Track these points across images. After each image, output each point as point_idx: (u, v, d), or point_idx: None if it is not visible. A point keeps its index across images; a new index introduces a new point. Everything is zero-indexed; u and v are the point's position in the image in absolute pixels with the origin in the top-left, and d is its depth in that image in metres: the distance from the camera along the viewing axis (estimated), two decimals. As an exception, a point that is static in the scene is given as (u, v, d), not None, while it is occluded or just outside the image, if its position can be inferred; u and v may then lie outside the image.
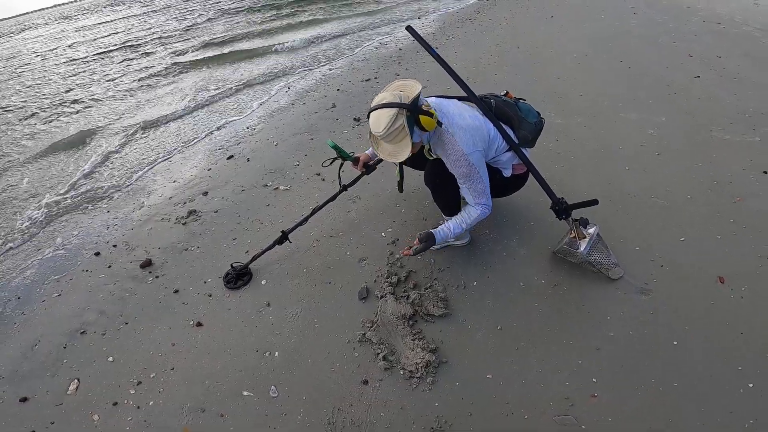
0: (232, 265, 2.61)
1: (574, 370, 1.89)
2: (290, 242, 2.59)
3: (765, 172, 2.91)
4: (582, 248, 2.17)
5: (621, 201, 2.77)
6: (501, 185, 2.34)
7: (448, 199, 2.31)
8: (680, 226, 2.54)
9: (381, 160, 2.51)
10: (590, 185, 2.94)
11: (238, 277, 2.56)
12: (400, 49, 6.50)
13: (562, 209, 2.21)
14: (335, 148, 2.40)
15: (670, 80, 4.53)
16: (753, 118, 3.64)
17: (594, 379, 1.85)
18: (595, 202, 2.14)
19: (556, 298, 2.22)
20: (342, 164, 2.55)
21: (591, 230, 2.21)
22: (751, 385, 1.75)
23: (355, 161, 2.50)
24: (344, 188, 2.59)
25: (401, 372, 1.97)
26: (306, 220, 2.58)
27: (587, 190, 2.89)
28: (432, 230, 2.12)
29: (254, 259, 2.56)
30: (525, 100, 2.33)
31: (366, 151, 2.56)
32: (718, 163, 3.05)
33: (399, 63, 5.37)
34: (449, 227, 2.14)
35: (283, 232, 2.55)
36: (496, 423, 1.76)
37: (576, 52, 5.55)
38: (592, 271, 2.27)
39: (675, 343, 1.94)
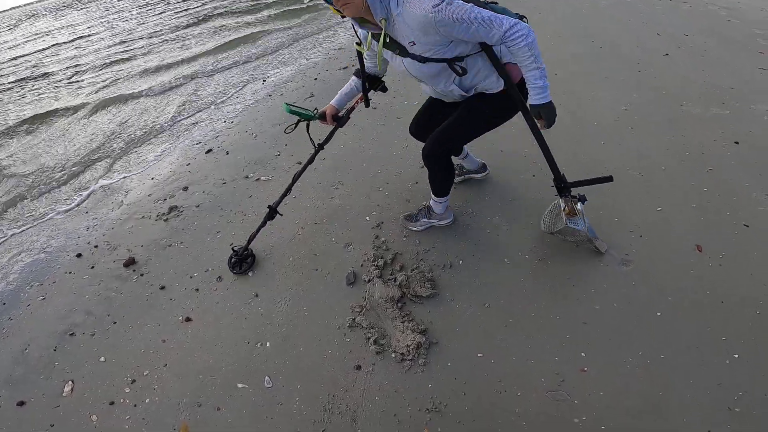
0: (233, 248, 2.59)
1: (563, 345, 1.94)
2: (281, 215, 2.54)
3: (736, 143, 2.99)
4: (581, 226, 2.14)
5: (597, 174, 2.82)
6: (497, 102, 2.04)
7: (441, 178, 2.32)
8: (656, 197, 2.60)
9: (352, 109, 2.37)
10: (567, 161, 2.98)
11: (242, 261, 2.56)
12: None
13: (567, 186, 2.16)
14: (293, 112, 2.23)
15: (640, 58, 4.59)
16: (722, 93, 3.72)
17: (582, 353, 1.89)
18: (610, 178, 2.09)
19: (541, 274, 2.26)
20: (308, 124, 2.37)
21: (579, 206, 2.20)
22: (736, 356, 1.81)
23: (322, 117, 2.33)
24: (320, 147, 2.43)
25: (393, 355, 1.99)
26: (290, 189, 2.48)
27: (565, 166, 2.90)
28: (533, 101, 1.85)
29: (251, 239, 2.54)
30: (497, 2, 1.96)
31: (331, 102, 2.34)
32: (689, 136, 3.12)
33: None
34: (531, 76, 1.78)
35: (270, 206, 2.48)
36: (489, 401, 1.80)
37: (550, 32, 5.58)
38: (587, 246, 2.33)
39: (658, 314, 2.00)
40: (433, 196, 2.47)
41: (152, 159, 3.96)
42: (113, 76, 6.43)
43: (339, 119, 2.37)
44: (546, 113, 1.86)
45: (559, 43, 5.23)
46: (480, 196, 2.77)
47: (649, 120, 3.38)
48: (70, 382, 2.10)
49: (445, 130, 2.12)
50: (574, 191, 2.21)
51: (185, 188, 3.38)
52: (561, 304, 2.10)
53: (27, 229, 3.40)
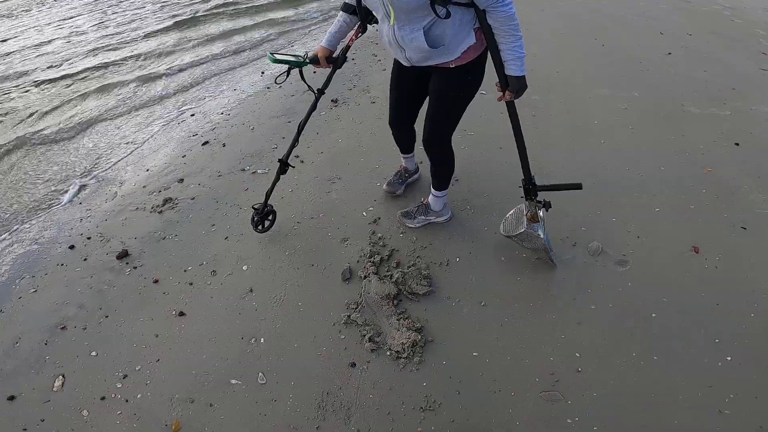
0: (253, 206, 2.58)
1: (558, 345, 1.94)
2: (293, 167, 2.52)
3: (736, 144, 2.98)
4: (542, 234, 2.06)
5: (597, 174, 2.81)
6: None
7: (444, 166, 2.31)
8: (654, 197, 2.60)
9: (348, 48, 2.16)
10: (566, 160, 2.97)
11: (265, 217, 2.57)
12: (377, 30, 6.38)
13: (534, 188, 2.04)
14: (279, 61, 2.09)
15: (641, 57, 4.57)
16: (723, 93, 3.71)
17: (577, 354, 1.89)
18: (579, 186, 1.97)
19: (537, 272, 2.25)
20: (301, 71, 2.21)
21: (542, 213, 2.11)
22: (728, 358, 1.82)
23: (314, 61, 2.18)
24: (321, 92, 2.28)
25: (388, 353, 1.98)
26: (296, 140, 2.39)
27: (564, 165, 2.92)
28: (508, 73, 1.78)
29: (268, 196, 2.52)
30: None
31: (320, 44, 2.18)
32: (689, 136, 3.11)
33: (376, 44, 5.27)
34: (514, 47, 1.72)
35: (280, 160, 2.42)
36: (484, 400, 1.79)
37: (550, 29, 5.54)
38: (539, 256, 2.29)
39: (653, 315, 2.00)
40: (433, 191, 2.46)
41: (147, 150, 3.92)
42: (103, 63, 6.35)
43: (334, 60, 2.19)
44: (522, 85, 1.82)
45: (560, 40, 5.20)
46: (478, 194, 2.75)
47: (649, 119, 3.37)
48: (60, 377, 2.08)
49: (434, 116, 2.10)
50: (540, 196, 2.10)
51: (181, 180, 3.35)
52: (557, 304, 2.10)
53: (22, 220, 3.36)
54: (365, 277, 2.33)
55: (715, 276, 2.13)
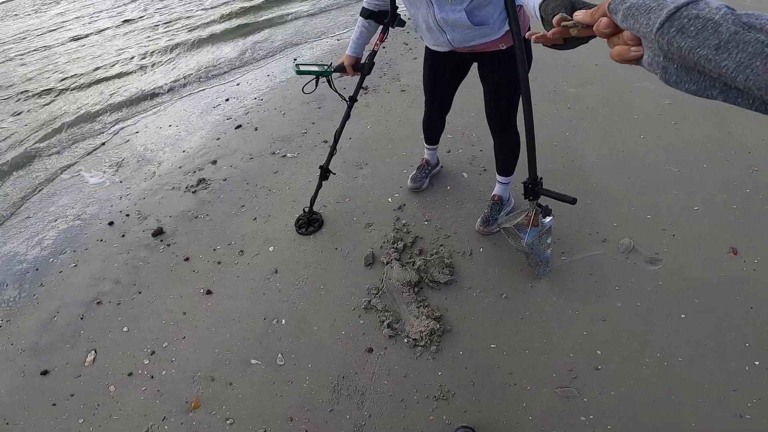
0: (304, 209, 2.68)
1: (578, 342, 1.89)
2: (334, 174, 2.59)
3: (787, 142, 2.80)
4: (527, 238, 1.95)
5: (633, 168, 2.70)
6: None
7: (515, 151, 2.24)
8: (694, 195, 2.48)
9: (374, 53, 2.13)
10: (601, 152, 2.87)
11: (310, 223, 2.65)
12: (410, 18, 6.31)
13: (536, 190, 1.91)
14: (304, 72, 2.11)
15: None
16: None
17: (599, 351, 1.85)
18: (573, 200, 1.84)
19: (563, 267, 2.20)
20: (329, 80, 2.22)
21: (546, 220, 1.99)
22: (757, 363, 1.74)
23: (341, 70, 2.18)
24: (353, 100, 2.29)
25: (405, 340, 1.99)
26: (334, 148, 2.41)
27: (598, 159, 2.82)
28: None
29: (312, 202, 2.62)
30: None
31: (347, 53, 2.16)
32: (736, 134, 2.94)
33: (407, 33, 5.20)
34: None
35: (321, 167, 2.47)
36: (498, 393, 1.78)
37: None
38: (523, 259, 2.20)
39: (683, 316, 1.92)
40: (501, 178, 2.39)
41: (184, 133, 4.03)
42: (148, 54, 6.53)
43: (361, 67, 2.18)
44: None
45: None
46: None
47: (694, 115, 3.20)
48: (93, 352, 2.19)
49: (493, 105, 2.04)
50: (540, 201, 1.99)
51: (214, 162, 3.43)
52: (581, 300, 2.05)
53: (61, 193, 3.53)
54: (387, 263, 2.34)
55: (752, 279, 2.03)
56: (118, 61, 6.34)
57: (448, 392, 1.80)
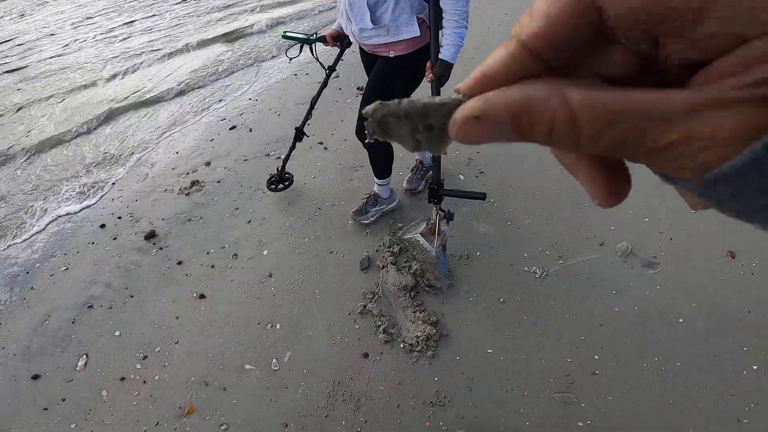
0: (277, 168, 2.81)
1: (576, 347, 1.88)
2: (308, 136, 2.71)
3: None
4: (434, 246, 1.93)
5: (631, 171, 2.69)
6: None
7: (377, 157, 2.34)
8: (691, 198, 2.47)
9: None
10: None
11: (281, 181, 2.78)
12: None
13: (441, 192, 1.91)
14: (291, 38, 2.29)
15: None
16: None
17: (596, 356, 1.83)
18: (483, 196, 1.83)
19: (561, 271, 2.19)
20: (312, 48, 2.40)
21: (445, 228, 1.96)
22: (755, 367, 1.73)
23: (322, 40, 2.38)
24: (331, 69, 2.45)
25: (402, 345, 1.97)
26: (310, 113, 2.58)
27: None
28: (441, 56, 1.82)
29: (285, 162, 2.74)
30: None
31: (332, 26, 2.36)
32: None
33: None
34: (457, 34, 1.80)
35: (296, 128, 2.61)
36: (495, 398, 1.76)
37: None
38: (428, 270, 2.16)
39: (680, 320, 1.91)
40: (376, 180, 2.47)
41: (178, 134, 4.00)
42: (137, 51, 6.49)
43: (341, 39, 2.35)
44: (446, 73, 1.86)
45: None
46: (503, 188, 2.68)
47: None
48: (84, 356, 2.15)
49: (363, 102, 2.16)
50: (445, 205, 1.99)
51: (208, 163, 3.40)
52: (579, 304, 2.03)
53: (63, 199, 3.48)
54: (383, 267, 2.32)
55: (750, 283, 2.02)
56: (117, 57, 6.30)
57: (444, 398, 1.78)
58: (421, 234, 1.95)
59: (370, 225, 2.56)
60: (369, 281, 2.28)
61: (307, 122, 2.59)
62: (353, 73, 4.37)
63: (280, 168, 2.79)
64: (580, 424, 1.65)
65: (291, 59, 2.47)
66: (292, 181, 2.85)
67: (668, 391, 1.70)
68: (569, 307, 2.03)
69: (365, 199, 2.57)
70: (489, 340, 1.96)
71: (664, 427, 1.62)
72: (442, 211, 1.93)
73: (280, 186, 2.81)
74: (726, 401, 1.65)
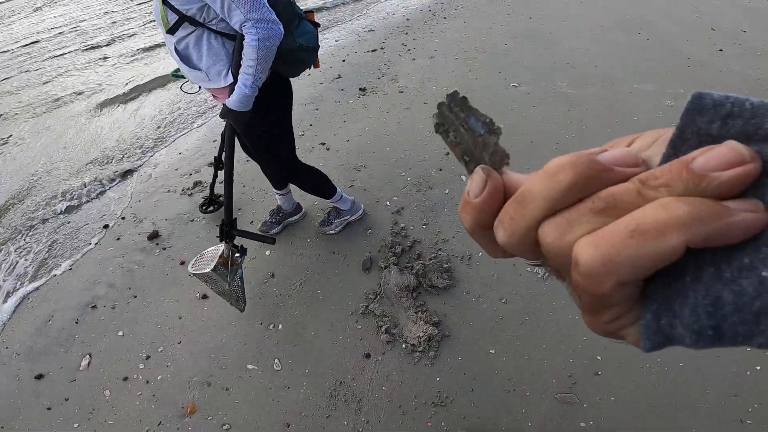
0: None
1: (578, 347, 1.88)
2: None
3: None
4: (228, 281, 1.89)
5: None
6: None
7: (312, 184, 2.35)
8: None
9: None
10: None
11: (211, 203, 2.83)
12: (408, 20, 6.32)
13: (231, 232, 1.96)
14: (179, 75, 2.12)
15: (690, 53, 4.32)
16: (776, 89, 3.49)
17: (598, 357, 1.83)
18: (273, 240, 1.93)
19: (562, 272, 2.19)
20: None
21: (239, 258, 1.98)
22: (758, 368, 1.73)
23: None
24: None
25: (403, 345, 1.97)
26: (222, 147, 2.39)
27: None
28: (228, 101, 1.73)
29: (212, 188, 2.80)
30: (320, 26, 2.05)
31: None
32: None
33: (406, 33, 5.22)
34: (244, 78, 1.66)
35: (215, 158, 2.59)
36: (497, 399, 1.76)
37: (591, 22, 5.33)
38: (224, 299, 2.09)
39: (684, 320, 1.91)
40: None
41: (181, 134, 4.01)
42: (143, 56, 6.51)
43: None
44: (227, 115, 1.76)
45: (600, 34, 4.99)
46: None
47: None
48: (87, 356, 2.16)
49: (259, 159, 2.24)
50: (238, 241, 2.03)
51: (211, 164, 3.41)
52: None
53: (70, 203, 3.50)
54: (385, 267, 2.32)
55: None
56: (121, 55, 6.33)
57: (446, 398, 1.78)
58: (213, 268, 1.85)
59: (372, 227, 2.57)
60: (371, 281, 2.28)
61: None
62: (356, 74, 4.40)
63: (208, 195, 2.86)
64: (582, 424, 1.65)
65: (186, 93, 2.40)
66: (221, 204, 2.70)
67: (670, 391, 1.70)
68: (571, 307, 2.03)
69: (328, 211, 2.61)
70: (491, 341, 1.96)
71: (667, 427, 1.62)
72: (236, 246, 1.97)
73: (210, 209, 2.85)
74: (729, 402, 1.65)
